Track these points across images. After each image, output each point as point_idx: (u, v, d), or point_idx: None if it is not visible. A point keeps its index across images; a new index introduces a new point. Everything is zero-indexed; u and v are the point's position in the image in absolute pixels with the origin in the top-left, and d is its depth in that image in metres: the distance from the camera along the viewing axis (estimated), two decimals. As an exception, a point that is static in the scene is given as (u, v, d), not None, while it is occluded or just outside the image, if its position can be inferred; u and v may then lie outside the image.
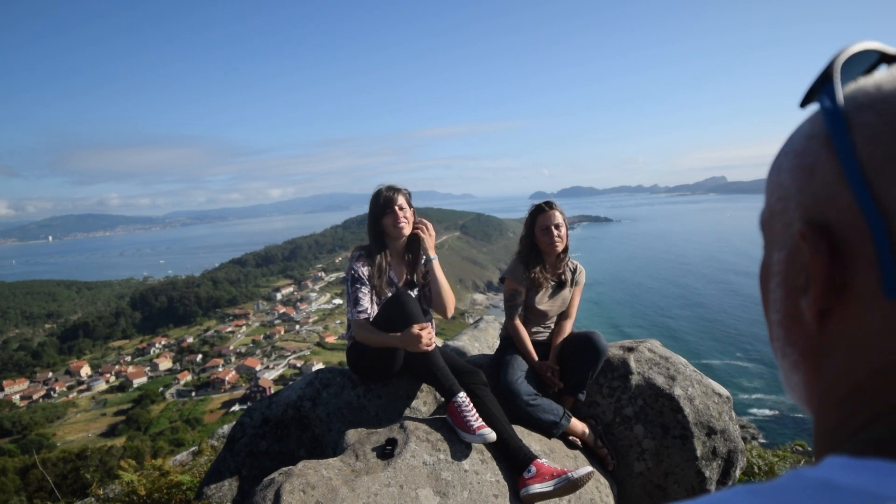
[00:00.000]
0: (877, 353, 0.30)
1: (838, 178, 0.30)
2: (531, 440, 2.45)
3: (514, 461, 2.22)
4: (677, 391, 2.72)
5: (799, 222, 0.33)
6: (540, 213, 2.82)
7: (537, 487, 2.12)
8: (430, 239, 2.72)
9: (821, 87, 0.32)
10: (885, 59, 0.34)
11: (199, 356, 60.53)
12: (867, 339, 0.30)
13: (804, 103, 0.34)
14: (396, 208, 2.62)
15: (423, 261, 2.77)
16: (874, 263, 0.29)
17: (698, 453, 2.61)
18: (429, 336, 2.36)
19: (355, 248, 2.75)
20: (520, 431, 2.42)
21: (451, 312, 2.72)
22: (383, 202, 2.64)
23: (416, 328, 2.35)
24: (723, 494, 0.28)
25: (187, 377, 54.48)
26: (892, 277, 0.28)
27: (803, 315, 0.33)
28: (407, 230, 2.66)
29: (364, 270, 2.61)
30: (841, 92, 0.31)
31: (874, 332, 0.30)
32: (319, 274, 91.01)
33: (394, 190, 2.67)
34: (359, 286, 2.59)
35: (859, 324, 0.30)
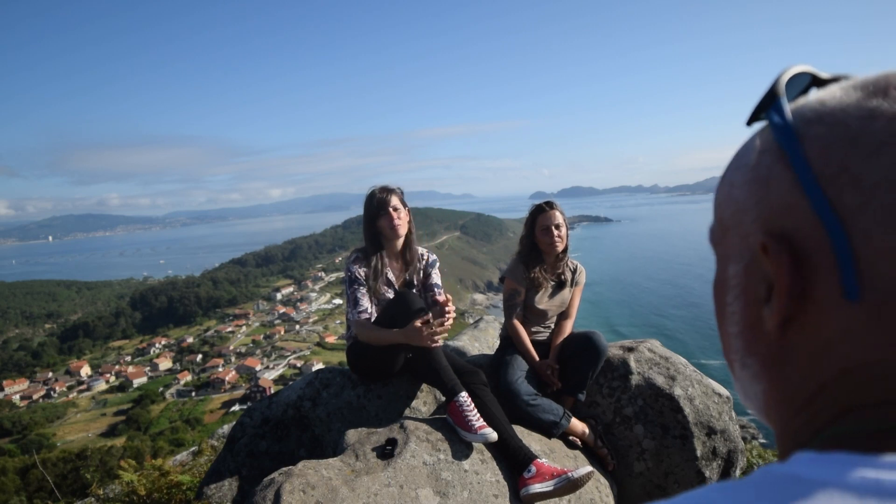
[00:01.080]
0: (838, 356, 0.31)
1: (794, 187, 0.31)
2: (531, 440, 2.45)
3: (514, 461, 2.22)
4: (677, 391, 2.72)
5: (758, 234, 0.33)
6: (540, 214, 2.82)
7: (537, 487, 2.12)
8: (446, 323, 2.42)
9: (767, 106, 0.34)
10: (815, 82, 0.37)
11: (199, 356, 60.55)
12: (829, 342, 0.31)
13: (751, 122, 0.36)
14: (391, 209, 2.62)
15: (421, 261, 2.77)
16: (834, 269, 0.30)
17: (698, 453, 2.61)
18: (446, 319, 2.36)
19: (353, 249, 2.76)
20: (520, 431, 2.42)
21: None
22: (377, 204, 2.64)
23: (418, 322, 2.35)
24: (695, 492, 0.29)
25: (187, 377, 54.50)
26: (851, 280, 0.29)
27: (763, 325, 0.34)
28: (402, 231, 2.66)
29: (361, 272, 2.61)
30: (788, 108, 0.33)
31: (835, 336, 0.31)
32: (319, 274, 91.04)
33: (387, 191, 2.67)
34: (357, 287, 2.59)
35: (821, 328, 0.31)
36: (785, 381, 0.34)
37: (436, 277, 2.78)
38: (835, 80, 0.35)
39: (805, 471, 0.27)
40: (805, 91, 0.37)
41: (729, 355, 0.39)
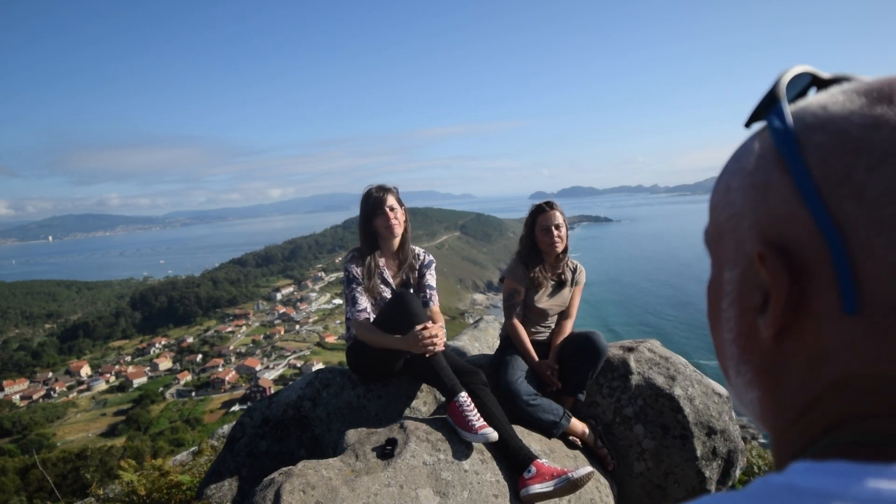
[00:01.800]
0: (835, 367, 0.30)
1: (793, 196, 0.30)
2: (531, 440, 2.45)
3: (514, 461, 2.22)
4: (677, 391, 2.72)
5: (753, 242, 0.33)
6: (540, 214, 2.82)
7: (537, 487, 2.12)
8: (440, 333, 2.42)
9: (767, 108, 0.33)
10: (815, 82, 0.35)
11: (199, 356, 60.56)
12: (825, 354, 0.31)
13: (749, 123, 0.35)
14: (387, 209, 2.62)
15: (416, 260, 2.77)
16: (832, 281, 0.29)
17: (698, 453, 2.61)
18: (434, 337, 2.36)
19: (351, 249, 2.76)
20: (520, 431, 2.42)
21: None
22: (373, 203, 2.63)
23: (418, 328, 2.35)
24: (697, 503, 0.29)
25: (187, 377, 54.50)
26: (850, 294, 0.28)
27: (758, 333, 0.34)
28: (398, 230, 2.66)
29: (358, 271, 2.62)
30: (789, 112, 0.32)
31: (832, 348, 0.30)
32: (319, 274, 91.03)
33: (383, 190, 2.67)
34: (355, 286, 2.59)
35: (817, 339, 0.31)
36: (780, 391, 0.34)
37: (430, 279, 2.77)
38: (836, 80, 0.34)
39: (804, 481, 0.27)
40: (804, 92, 0.36)
41: (723, 361, 0.39)
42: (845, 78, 0.34)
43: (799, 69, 0.35)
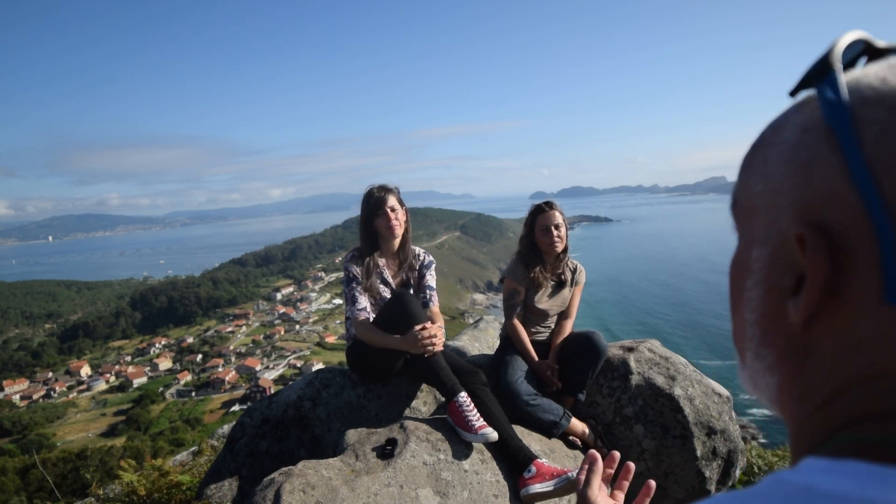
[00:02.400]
0: (868, 359, 0.29)
1: (842, 177, 0.28)
2: (531, 440, 2.45)
3: (514, 461, 2.22)
4: (677, 391, 2.72)
5: (792, 222, 0.31)
6: (540, 214, 2.82)
7: (537, 487, 2.12)
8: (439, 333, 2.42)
9: (818, 77, 0.31)
10: (868, 52, 0.33)
11: (199, 356, 60.53)
12: (858, 343, 0.29)
13: (795, 92, 0.32)
14: (388, 209, 2.62)
15: (416, 260, 2.77)
16: (875, 268, 0.27)
17: (698, 453, 2.61)
18: (433, 337, 2.36)
19: (351, 248, 2.76)
20: (520, 431, 2.42)
21: None
22: (374, 203, 2.63)
23: (417, 328, 2.35)
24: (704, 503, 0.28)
25: (187, 377, 54.49)
26: (893, 283, 0.27)
27: (786, 316, 0.32)
28: (399, 231, 2.66)
29: (358, 270, 2.62)
30: (845, 84, 0.29)
31: (867, 338, 0.29)
32: (319, 274, 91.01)
33: (385, 190, 2.67)
34: (355, 285, 2.59)
35: (852, 329, 0.29)
36: (803, 379, 0.32)
37: (430, 280, 2.77)
38: (893, 50, 0.32)
39: (821, 483, 0.26)
40: (854, 62, 0.33)
41: (740, 342, 0.36)
42: None
43: (854, 35, 0.32)
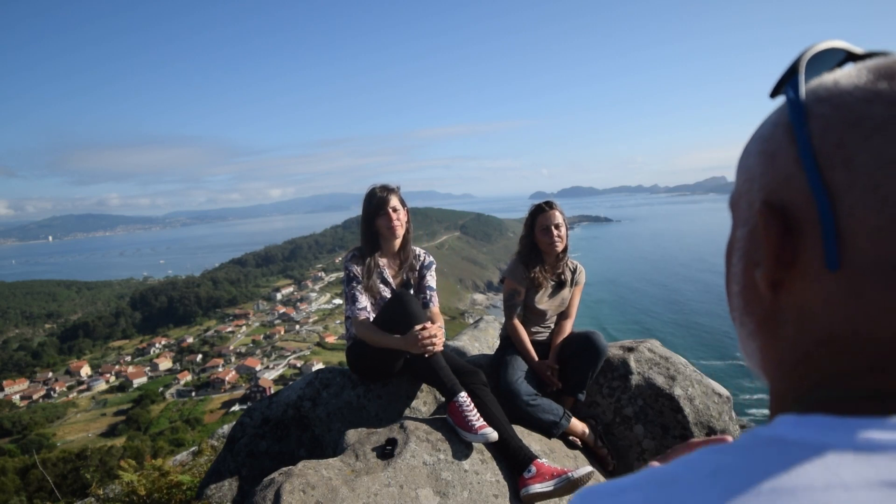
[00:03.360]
0: (820, 324, 0.33)
1: (795, 162, 0.34)
2: (531, 440, 2.45)
3: (514, 461, 2.22)
4: (677, 391, 2.72)
5: (759, 202, 0.36)
6: (540, 213, 2.82)
7: (537, 487, 2.12)
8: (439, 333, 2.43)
9: (788, 80, 0.36)
10: (851, 57, 0.38)
11: (199, 356, 60.51)
12: (812, 309, 0.34)
13: (774, 94, 0.38)
14: (390, 210, 2.62)
15: (417, 261, 2.77)
16: (820, 239, 0.32)
17: (698, 453, 2.60)
18: (433, 337, 2.36)
19: (351, 248, 2.76)
20: (520, 431, 2.42)
21: None
22: (376, 203, 2.63)
23: (417, 328, 2.35)
24: (691, 455, 0.32)
25: (187, 377, 54.46)
26: (833, 252, 0.32)
27: (759, 286, 0.37)
28: (400, 232, 2.66)
29: (358, 270, 2.62)
30: (803, 85, 0.35)
31: (817, 304, 0.33)
32: (319, 274, 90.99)
33: (387, 190, 2.67)
34: (355, 284, 2.59)
35: (806, 295, 0.34)
36: (776, 343, 0.37)
37: (430, 280, 2.77)
38: (870, 55, 0.36)
39: (788, 433, 0.30)
40: (841, 65, 0.37)
41: (732, 313, 0.42)
42: (879, 54, 0.36)
43: (828, 44, 0.37)
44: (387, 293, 2.64)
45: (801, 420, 0.31)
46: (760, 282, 0.36)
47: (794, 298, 0.35)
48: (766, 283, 0.36)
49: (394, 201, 2.64)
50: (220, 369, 54.80)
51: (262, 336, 66.63)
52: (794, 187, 0.34)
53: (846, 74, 0.34)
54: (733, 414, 2.83)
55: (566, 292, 2.91)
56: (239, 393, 47.61)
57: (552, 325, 2.95)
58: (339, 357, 46.44)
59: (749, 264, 0.38)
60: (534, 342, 2.84)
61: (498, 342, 3.04)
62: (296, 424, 2.60)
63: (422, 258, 2.80)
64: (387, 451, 2.08)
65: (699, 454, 0.32)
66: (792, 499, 0.26)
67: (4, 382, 54.17)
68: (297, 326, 68.97)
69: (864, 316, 0.32)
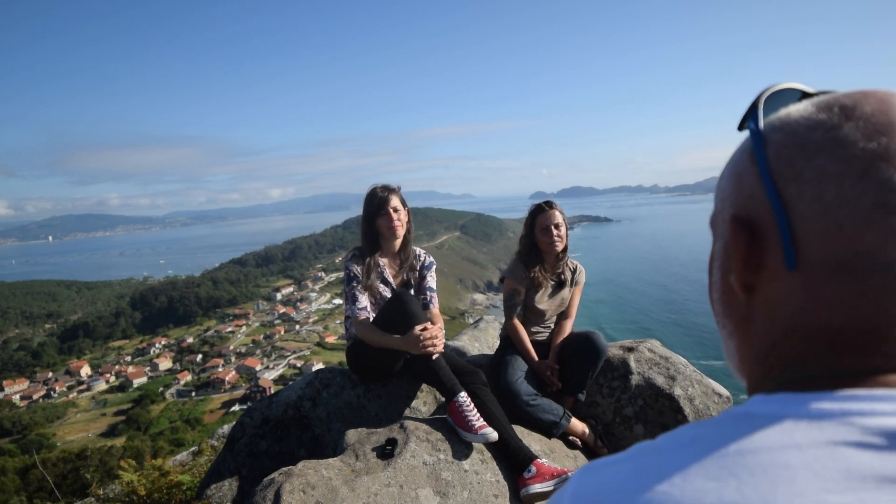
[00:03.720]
0: (784, 317, 0.40)
1: (757, 181, 0.42)
2: (531, 440, 2.45)
3: (514, 461, 2.22)
4: (677, 391, 2.72)
5: (730, 217, 0.44)
6: (540, 213, 2.82)
7: (537, 487, 2.12)
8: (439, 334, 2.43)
9: (750, 114, 0.44)
10: (806, 95, 0.45)
11: (199, 356, 60.49)
12: (777, 306, 0.41)
13: (740, 128, 0.46)
14: (391, 210, 2.61)
15: (417, 261, 2.77)
16: (780, 245, 0.40)
17: (698, 453, 2.60)
18: (434, 337, 2.36)
19: (352, 248, 2.75)
20: (520, 431, 2.42)
21: None
22: (377, 203, 2.63)
23: (417, 329, 2.35)
24: (675, 430, 0.39)
25: (187, 377, 54.45)
26: (791, 254, 0.39)
27: (735, 291, 0.44)
28: (401, 232, 2.66)
29: (358, 269, 2.61)
30: (762, 118, 0.43)
31: (781, 300, 0.40)
32: (319, 274, 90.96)
33: (388, 190, 2.66)
34: (355, 284, 2.59)
35: (772, 293, 0.41)
36: (750, 339, 0.44)
37: (431, 281, 2.77)
38: (821, 93, 0.44)
39: (756, 408, 0.38)
40: (800, 100, 0.45)
41: (715, 318, 0.48)
42: (825, 92, 0.44)
43: (784, 85, 0.46)
44: (387, 293, 2.64)
45: (767, 398, 0.38)
46: (735, 286, 0.43)
47: (763, 298, 0.42)
48: (740, 287, 0.43)
49: (395, 201, 2.64)
50: (220, 369, 54.78)
51: (262, 336, 66.60)
52: (757, 202, 0.41)
53: (796, 108, 0.42)
54: (733, 414, 2.83)
55: (566, 292, 2.91)
56: (239, 393, 47.60)
57: (552, 325, 2.95)
58: (339, 357, 46.42)
59: (725, 273, 0.45)
60: (534, 342, 2.84)
61: (498, 342, 3.04)
62: (296, 424, 2.60)
63: (422, 258, 2.80)
64: (387, 451, 2.08)
65: (681, 428, 0.39)
66: (753, 457, 0.33)
67: (4, 382, 54.15)
68: (297, 326, 68.95)
69: (819, 307, 0.38)
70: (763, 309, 0.42)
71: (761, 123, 0.43)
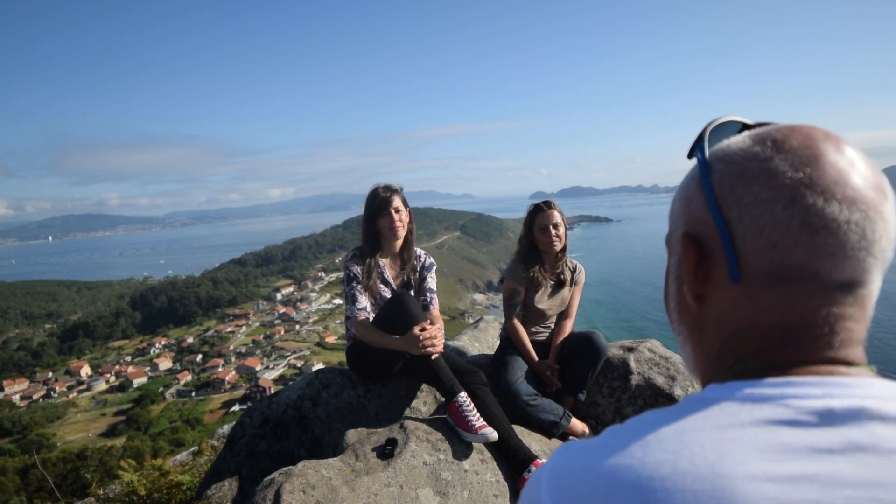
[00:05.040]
0: (730, 322, 0.48)
1: (704, 204, 0.48)
2: (531, 440, 2.45)
3: (514, 461, 2.22)
4: (677, 391, 2.72)
5: (682, 235, 0.51)
6: (538, 213, 2.82)
7: (537, 487, 2.11)
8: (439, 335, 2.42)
9: (698, 145, 0.51)
10: (746, 126, 0.52)
11: (199, 356, 60.49)
12: (725, 312, 0.48)
13: (690, 156, 0.52)
14: (392, 210, 2.61)
15: (417, 262, 2.77)
16: (724, 260, 0.47)
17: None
18: (433, 338, 2.36)
19: (352, 248, 2.75)
20: (520, 431, 2.42)
21: None
22: (379, 203, 2.62)
23: (416, 329, 2.35)
24: (640, 415, 0.46)
25: (187, 377, 54.46)
26: (734, 269, 0.46)
27: (687, 301, 0.51)
28: (401, 233, 2.65)
29: (358, 269, 2.61)
30: (707, 148, 0.50)
31: (728, 307, 0.48)
32: (319, 274, 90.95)
33: (390, 190, 2.66)
34: (355, 284, 2.58)
35: (720, 302, 0.48)
36: (703, 342, 0.51)
37: (431, 282, 2.76)
38: (760, 125, 0.51)
39: (708, 394, 0.45)
40: (742, 130, 0.52)
41: (672, 325, 0.56)
42: (763, 124, 0.50)
43: (728, 118, 0.53)
44: (387, 293, 2.64)
45: (719, 385, 0.45)
46: (688, 296, 0.51)
47: (712, 306, 0.49)
48: (692, 297, 0.50)
49: (396, 202, 2.64)
50: (220, 369, 54.77)
51: (262, 336, 66.59)
52: (705, 223, 0.48)
53: (736, 140, 0.49)
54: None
55: (566, 292, 2.91)
56: (239, 393, 47.59)
57: (552, 325, 2.95)
58: (339, 357, 46.43)
59: (679, 285, 0.53)
60: (534, 342, 2.84)
61: (498, 342, 3.04)
62: (296, 424, 2.60)
63: (422, 259, 2.80)
64: (387, 451, 2.08)
65: (647, 412, 0.46)
66: (704, 434, 0.40)
67: (4, 382, 54.15)
68: (297, 326, 68.94)
69: (759, 311, 0.46)
70: (713, 315, 0.49)
71: (707, 153, 0.49)
